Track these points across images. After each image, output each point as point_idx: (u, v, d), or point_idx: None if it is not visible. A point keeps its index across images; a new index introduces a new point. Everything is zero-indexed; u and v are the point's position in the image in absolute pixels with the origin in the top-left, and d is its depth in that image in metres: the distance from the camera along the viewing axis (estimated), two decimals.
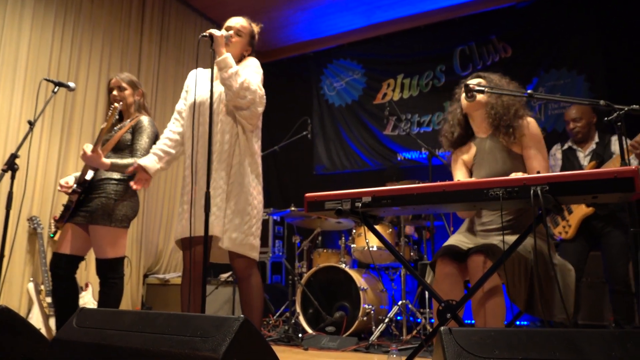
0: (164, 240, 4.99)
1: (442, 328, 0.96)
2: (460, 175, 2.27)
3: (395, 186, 1.94)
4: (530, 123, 2.11)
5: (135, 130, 2.65)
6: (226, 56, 2.18)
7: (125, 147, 2.63)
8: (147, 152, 2.61)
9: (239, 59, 2.40)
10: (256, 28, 2.48)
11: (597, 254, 3.29)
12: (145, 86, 4.86)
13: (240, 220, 2.19)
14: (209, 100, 2.20)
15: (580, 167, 3.22)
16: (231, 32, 2.34)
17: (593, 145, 3.29)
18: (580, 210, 3.07)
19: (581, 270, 3.12)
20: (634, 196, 1.52)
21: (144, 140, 2.63)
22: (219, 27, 2.40)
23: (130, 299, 4.49)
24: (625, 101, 1.91)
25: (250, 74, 2.27)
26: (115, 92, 2.73)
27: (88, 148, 2.42)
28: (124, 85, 2.75)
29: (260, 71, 2.35)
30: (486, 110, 2.17)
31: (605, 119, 1.81)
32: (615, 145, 3.24)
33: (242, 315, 1.11)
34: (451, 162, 2.36)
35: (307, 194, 1.92)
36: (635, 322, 3.05)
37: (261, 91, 2.25)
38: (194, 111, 2.25)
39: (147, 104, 2.87)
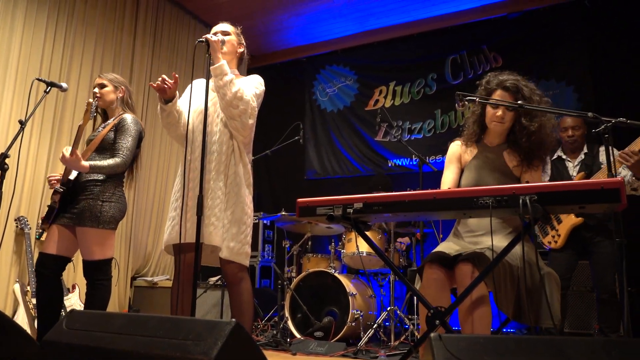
0: (153, 242, 4.96)
1: (432, 334, 0.98)
2: (448, 173, 2.26)
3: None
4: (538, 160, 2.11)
5: (118, 129, 2.62)
6: (222, 63, 2.19)
7: (108, 147, 2.59)
8: (130, 152, 2.60)
9: (239, 59, 2.44)
10: (238, 29, 2.50)
11: (586, 262, 3.33)
12: (137, 89, 4.85)
13: (237, 229, 2.21)
14: (210, 114, 2.23)
15: (570, 177, 3.25)
16: (220, 37, 2.36)
17: (582, 156, 3.32)
18: (569, 220, 3.11)
19: (569, 279, 3.15)
20: (619, 207, 1.56)
21: (126, 139, 2.59)
22: None
23: (118, 301, 4.45)
24: (612, 113, 1.95)
25: (247, 85, 2.28)
26: (96, 90, 2.72)
27: (67, 151, 2.39)
28: (105, 82, 2.74)
29: (261, 88, 2.36)
30: (516, 135, 2.12)
31: (593, 130, 1.84)
32: (603, 156, 3.27)
33: (233, 320, 1.11)
34: (449, 152, 2.32)
35: (299, 199, 1.93)
36: (620, 331, 3.09)
37: (253, 103, 2.26)
38: (189, 118, 2.26)
39: (132, 101, 2.83)
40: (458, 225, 2.22)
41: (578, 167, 3.30)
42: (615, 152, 3.23)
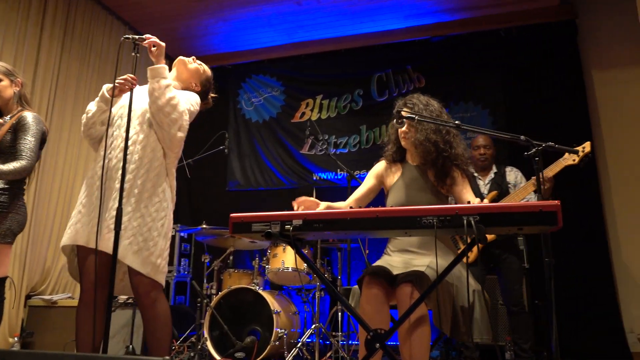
0: (53, 257, 4.45)
1: None
2: (361, 187, 2.30)
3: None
4: (458, 173, 2.16)
5: (18, 128, 2.33)
6: (162, 66, 2.03)
7: (6, 150, 2.30)
8: (34, 153, 2.30)
9: (186, 88, 2.31)
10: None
11: (494, 277, 3.48)
12: (43, 85, 4.38)
13: (145, 239, 1.96)
14: (135, 111, 2.04)
15: (481, 195, 3.41)
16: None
17: (492, 175, 3.51)
18: None
19: None
20: (552, 228, 1.60)
21: (28, 140, 2.31)
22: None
23: (8, 323, 3.92)
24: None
25: (184, 98, 2.13)
26: None
27: None
28: (0, 76, 2.42)
29: (196, 107, 2.22)
30: (414, 144, 2.17)
31: (525, 153, 1.90)
32: (510, 176, 3.50)
33: (167, 357, 0.95)
34: (372, 168, 2.36)
35: (233, 215, 1.79)
36: (531, 341, 3.26)
37: (186, 117, 2.09)
38: (109, 119, 2.04)
39: (28, 95, 2.54)
40: (390, 242, 2.20)
41: (489, 185, 3.48)
42: (520, 176, 3.47)
